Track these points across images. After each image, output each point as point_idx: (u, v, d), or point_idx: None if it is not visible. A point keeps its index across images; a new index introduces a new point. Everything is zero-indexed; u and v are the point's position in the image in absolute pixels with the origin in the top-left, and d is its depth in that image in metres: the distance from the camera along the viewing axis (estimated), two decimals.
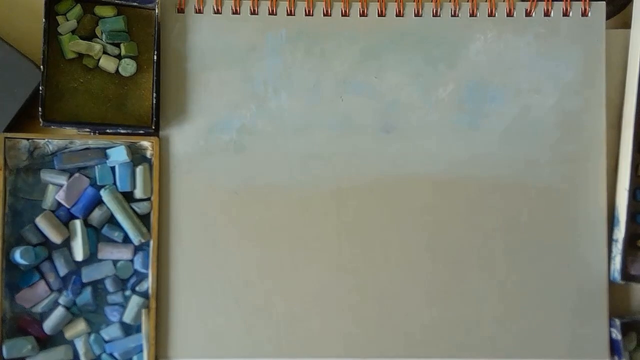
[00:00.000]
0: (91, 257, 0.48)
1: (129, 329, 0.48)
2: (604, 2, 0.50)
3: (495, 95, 0.50)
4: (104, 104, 0.48)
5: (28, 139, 0.47)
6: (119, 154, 0.48)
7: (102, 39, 0.48)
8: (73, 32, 0.48)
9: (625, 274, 0.49)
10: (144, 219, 0.49)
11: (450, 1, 0.50)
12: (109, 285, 0.48)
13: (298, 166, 0.49)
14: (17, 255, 0.46)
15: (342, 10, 0.50)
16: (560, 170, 0.49)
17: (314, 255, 0.49)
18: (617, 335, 0.48)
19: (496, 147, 0.49)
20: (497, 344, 0.49)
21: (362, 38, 0.50)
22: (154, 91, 0.47)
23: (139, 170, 0.48)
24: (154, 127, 0.48)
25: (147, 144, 0.49)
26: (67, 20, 0.48)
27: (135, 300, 0.48)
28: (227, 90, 0.49)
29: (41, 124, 0.46)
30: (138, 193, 0.48)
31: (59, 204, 0.48)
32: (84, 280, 0.48)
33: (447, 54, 0.49)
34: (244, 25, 0.50)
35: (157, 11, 0.48)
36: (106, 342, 0.48)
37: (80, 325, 0.48)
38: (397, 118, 0.49)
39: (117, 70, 0.48)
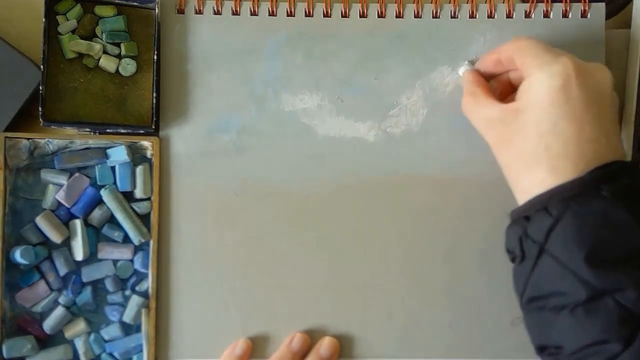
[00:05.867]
0: (91, 257, 0.48)
1: (129, 329, 0.48)
2: (604, 3, 0.50)
3: None
4: (104, 103, 0.48)
5: (28, 139, 0.47)
6: (119, 154, 0.48)
7: (102, 39, 0.48)
8: (73, 31, 0.48)
9: None
10: (144, 219, 0.49)
11: (450, 2, 0.50)
12: (109, 285, 0.48)
13: (298, 166, 0.49)
14: (17, 255, 0.47)
15: (342, 12, 0.50)
16: None
17: (314, 255, 0.49)
18: None
19: None
20: (497, 344, 0.49)
21: (362, 39, 0.49)
22: (154, 91, 0.48)
23: (139, 170, 0.48)
24: (154, 127, 0.48)
25: (147, 144, 0.49)
26: (67, 20, 0.48)
27: (135, 300, 0.48)
28: (227, 91, 0.49)
29: (41, 124, 0.46)
30: (138, 193, 0.48)
31: (59, 204, 0.48)
32: (84, 280, 0.48)
33: (447, 55, 0.49)
34: (244, 26, 0.49)
35: (157, 11, 0.48)
36: (106, 341, 0.48)
37: (80, 325, 0.48)
38: (397, 119, 0.49)
39: (117, 70, 0.48)
